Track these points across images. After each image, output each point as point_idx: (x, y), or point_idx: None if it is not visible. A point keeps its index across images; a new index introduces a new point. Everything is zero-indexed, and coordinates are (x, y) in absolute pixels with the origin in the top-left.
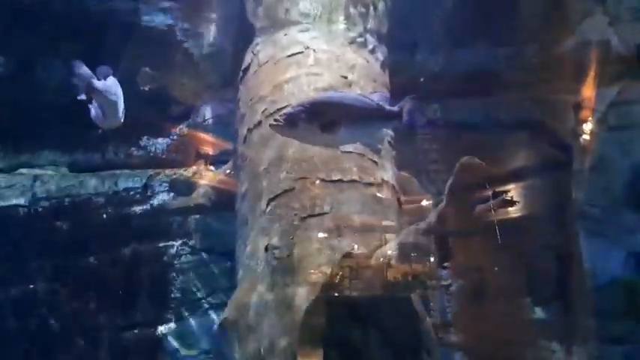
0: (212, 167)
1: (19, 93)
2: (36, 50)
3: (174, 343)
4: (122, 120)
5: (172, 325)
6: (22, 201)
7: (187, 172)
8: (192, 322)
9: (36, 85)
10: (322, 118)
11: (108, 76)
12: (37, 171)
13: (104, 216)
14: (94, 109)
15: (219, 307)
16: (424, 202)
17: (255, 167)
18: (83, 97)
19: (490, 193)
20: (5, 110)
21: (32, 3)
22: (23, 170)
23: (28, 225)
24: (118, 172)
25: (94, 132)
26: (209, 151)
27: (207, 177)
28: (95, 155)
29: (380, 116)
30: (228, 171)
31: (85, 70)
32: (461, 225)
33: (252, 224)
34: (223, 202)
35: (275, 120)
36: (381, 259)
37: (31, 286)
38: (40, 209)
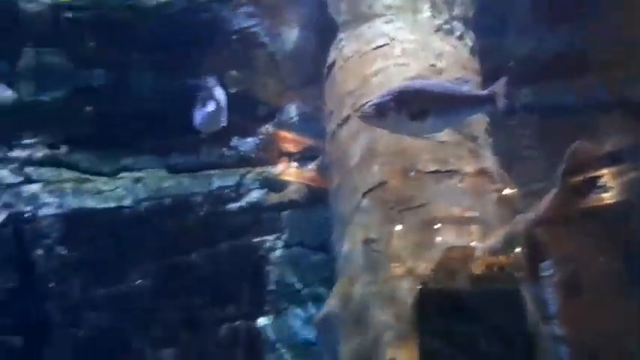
0: (297, 164)
1: (117, 102)
2: (130, 62)
3: (273, 335)
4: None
5: (270, 317)
6: (126, 202)
7: (276, 170)
8: (290, 314)
9: (132, 94)
10: (411, 106)
11: (216, 85)
12: (137, 174)
13: (201, 214)
14: (200, 116)
15: (315, 299)
16: (509, 191)
17: (347, 162)
18: (214, 106)
19: (601, 178)
20: (106, 119)
21: (125, 19)
22: (124, 174)
23: (132, 224)
24: (212, 172)
25: (188, 136)
26: (294, 148)
27: (293, 174)
28: (190, 157)
29: (471, 102)
30: (315, 167)
31: (211, 82)
32: (572, 212)
33: (348, 218)
34: (314, 197)
35: (363, 111)
36: (486, 250)
37: (137, 282)
38: (142, 210)
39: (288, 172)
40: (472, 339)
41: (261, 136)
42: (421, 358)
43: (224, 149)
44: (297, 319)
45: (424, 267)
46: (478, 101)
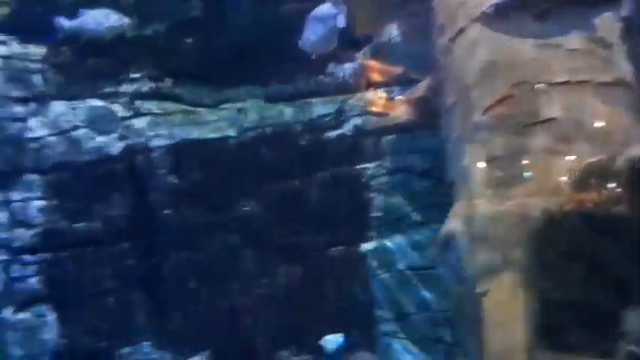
0: (385, 92)
1: (214, 34)
2: None
3: (376, 262)
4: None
5: (373, 243)
6: (231, 132)
7: (372, 96)
8: (393, 240)
9: (228, 25)
10: (534, 5)
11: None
12: (239, 104)
13: (303, 142)
14: (312, 36)
15: (419, 225)
16: None
17: (463, 78)
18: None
19: None
20: (205, 50)
21: None
22: (227, 105)
23: (238, 154)
24: (311, 100)
25: (286, 64)
26: (384, 77)
27: (382, 105)
28: (289, 86)
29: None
30: (406, 97)
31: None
32: None
33: (466, 138)
34: (418, 120)
35: (483, 12)
36: (624, 165)
37: (244, 209)
38: (246, 139)
39: (377, 102)
40: (612, 260)
41: (357, 62)
42: (555, 274)
43: (322, 76)
44: (400, 246)
45: (556, 185)
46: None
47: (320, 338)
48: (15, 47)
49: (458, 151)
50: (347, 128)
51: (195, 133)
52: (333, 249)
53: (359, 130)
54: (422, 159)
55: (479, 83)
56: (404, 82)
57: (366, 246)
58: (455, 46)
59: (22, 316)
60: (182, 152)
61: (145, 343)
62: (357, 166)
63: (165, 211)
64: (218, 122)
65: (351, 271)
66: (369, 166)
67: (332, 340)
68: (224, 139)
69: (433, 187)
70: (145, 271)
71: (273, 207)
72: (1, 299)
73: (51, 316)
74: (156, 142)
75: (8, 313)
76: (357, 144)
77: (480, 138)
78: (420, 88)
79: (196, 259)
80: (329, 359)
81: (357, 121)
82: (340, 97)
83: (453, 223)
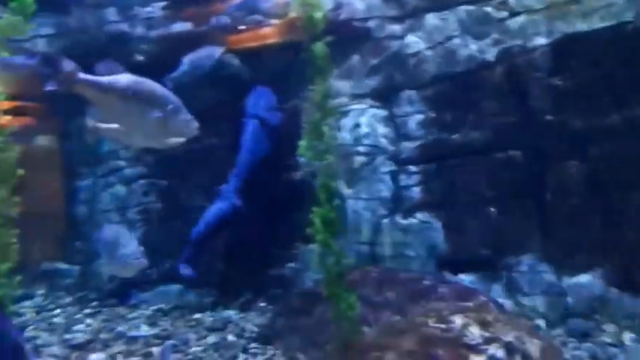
0: None
1: None
2: None
3: None
4: None
5: None
6: (627, 16)
7: None
8: None
9: None
10: None
11: None
12: None
13: None
14: None
15: None
16: None
17: None
18: None
19: None
20: None
21: None
22: None
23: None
24: None
25: None
26: None
27: None
28: None
29: None
30: None
31: None
32: None
33: None
34: None
35: None
36: None
37: None
38: None
39: None
40: None
41: None
42: None
43: None
44: None
45: None
46: None
47: None
48: None
49: None
50: None
51: (579, 26)
52: None
53: None
54: None
55: None
56: None
57: None
58: None
59: (410, 220)
60: (565, 49)
61: (528, 254)
62: None
63: (547, 117)
64: (610, 8)
65: None
66: None
67: None
68: (617, 27)
69: None
70: (529, 180)
71: None
72: (392, 205)
73: (436, 223)
74: (534, 42)
75: (399, 217)
76: None
77: None
78: None
79: (583, 169)
80: None
81: None
82: None
83: None
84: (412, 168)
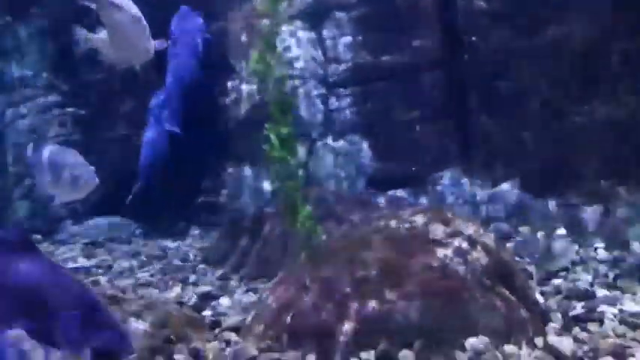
0: None
1: None
2: None
3: None
4: None
5: None
6: None
7: None
8: None
9: None
10: None
11: None
12: None
13: None
14: None
15: None
16: None
17: None
18: None
19: None
20: None
21: None
22: None
23: None
24: None
25: None
26: None
27: None
28: None
29: None
30: None
31: None
32: None
33: None
34: None
35: None
36: None
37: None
38: None
39: None
40: None
41: None
42: None
43: None
44: None
45: None
46: None
47: None
48: None
49: None
50: None
51: None
52: None
53: None
54: None
55: None
56: None
57: None
58: None
59: (340, 143)
60: None
61: (452, 169)
62: None
63: (472, 38)
64: None
65: None
66: None
67: None
68: None
69: None
70: (454, 100)
71: None
72: (322, 128)
73: (364, 144)
74: None
75: (329, 139)
76: None
77: None
78: None
79: (507, 88)
80: None
81: None
82: None
83: None
84: (342, 91)
